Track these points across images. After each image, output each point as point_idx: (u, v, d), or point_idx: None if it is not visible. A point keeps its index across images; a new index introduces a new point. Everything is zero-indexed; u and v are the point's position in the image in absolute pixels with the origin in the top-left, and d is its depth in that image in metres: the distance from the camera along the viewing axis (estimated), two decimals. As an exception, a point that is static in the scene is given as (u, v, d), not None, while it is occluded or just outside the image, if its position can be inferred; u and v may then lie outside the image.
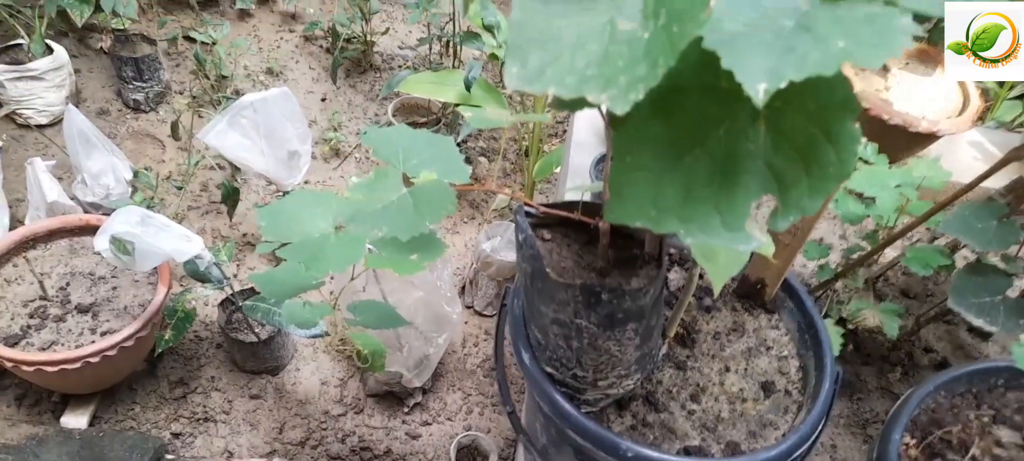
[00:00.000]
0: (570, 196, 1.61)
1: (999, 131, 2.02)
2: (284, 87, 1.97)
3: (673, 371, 0.95)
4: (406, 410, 1.85)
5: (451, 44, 2.77)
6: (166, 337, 1.60)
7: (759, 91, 0.35)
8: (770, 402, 0.92)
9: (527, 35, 0.43)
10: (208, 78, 2.61)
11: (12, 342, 1.51)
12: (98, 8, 2.38)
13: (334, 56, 2.77)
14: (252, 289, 1.74)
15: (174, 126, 2.14)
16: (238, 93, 2.61)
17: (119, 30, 2.50)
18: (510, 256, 2.01)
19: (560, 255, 0.79)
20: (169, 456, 1.64)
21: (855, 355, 1.53)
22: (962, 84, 1.65)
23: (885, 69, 1.65)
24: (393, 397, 1.86)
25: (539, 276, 0.74)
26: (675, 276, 1.07)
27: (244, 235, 2.23)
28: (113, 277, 1.70)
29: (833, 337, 1.21)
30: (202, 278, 1.59)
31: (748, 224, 0.44)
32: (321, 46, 3.02)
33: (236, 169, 2.00)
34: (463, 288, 2.18)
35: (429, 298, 1.76)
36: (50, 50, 2.33)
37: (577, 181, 1.73)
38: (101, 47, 2.65)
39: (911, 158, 1.58)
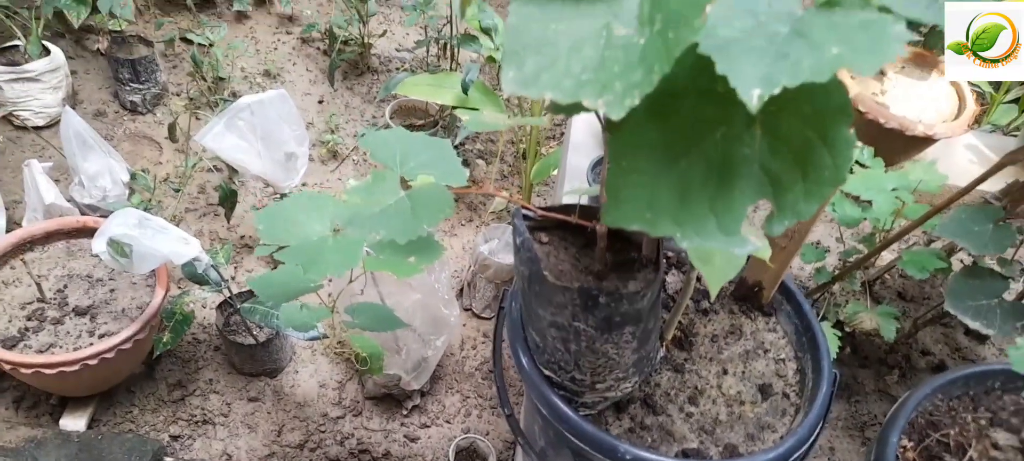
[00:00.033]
0: (568, 199, 1.62)
1: (995, 135, 2.03)
2: (281, 89, 1.97)
3: (671, 374, 0.95)
4: (404, 412, 1.85)
5: (448, 47, 2.77)
6: (164, 339, 1.60)
7: (753, 97, 0.35)
8: (768, 405, 0.92)
9: (523, 40, 0.43)
10: (205, 80, 2.61)
11: (10, 344, 1.51)
12: (95, 9, 2.38)
13: (331, 58, 2.77)
14: (250, 291, 1.74)
15: (171, 128, 2.14)
16: (235, 95, 2.61)
17: (116, 32, 2.50)
18: (508, 259, 2.01)
19: (558, 258, 0.79)
20: (168, 458, 1.64)
21: (852, 358, 1.53)
22: (958, 88, 1.66)
23: (882, 73, 1.65)
24: (391, 399, 1.86)
25: (537, 279, 0.74)
26: (673, 279, 1.08)
27: (242, 237, 2.23)
28: (111, 279, 1.69)
29: (830, 340, 1.22)
30: (200, 280, 1.59)
31: (744, 227, 0.44)
32: (318, 48, 3.03)
33: (233, 171, 2.00)
34: (461, 290, 2.18)
35: (427, 300, 1.76)
36: (47, 51, 2.33)
37: (575, 184, 1.73)
38: (98, 48, 2.65)
39: (907, 161, 1.59)
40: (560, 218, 0.80)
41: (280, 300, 1.08)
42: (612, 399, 0.87)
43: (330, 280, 1.65)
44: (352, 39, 2.88)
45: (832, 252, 1.59)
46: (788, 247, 0.93)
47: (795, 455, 0.83)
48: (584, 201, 0.81)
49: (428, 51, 2.83)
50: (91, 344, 1.53)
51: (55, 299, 1.63)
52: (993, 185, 1.17)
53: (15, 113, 2.30)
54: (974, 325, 1.13)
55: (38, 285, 1.60)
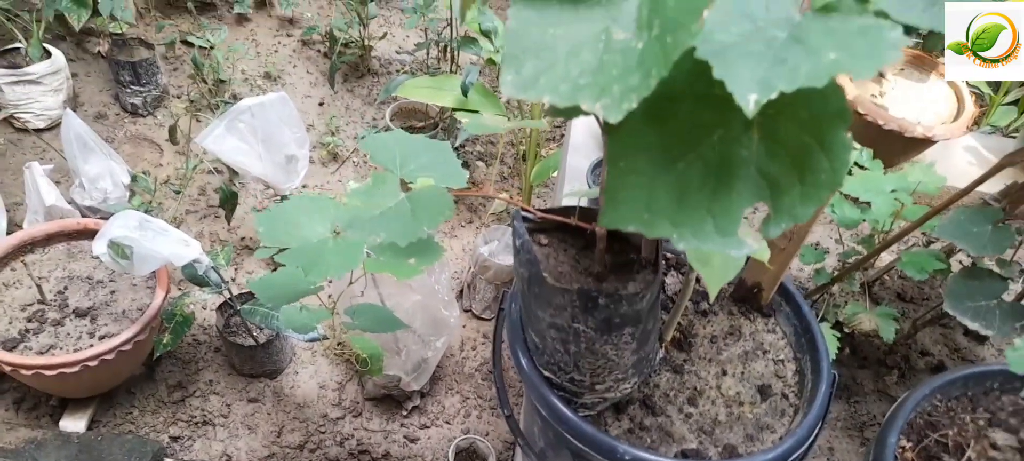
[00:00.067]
0: (567, 201, 1.62)
1: (994, 136, 2.03)
2: (282, 92, 1.97)
3: (670, 375, 0.95)
4: (404, 413, 1.85)
5: (449, 49, 2.78)
6: (164, 341, 1.60)
7: (750, 102, 0.35)
8: (767, 405, 0.93)
9: (522, 43, 0.43)
10: (206, 82, 2.62)
11: (10, 346, 1.51)
12: (96, 12, 2.39)
13: (332, 61, 2.78)
14: (250, 293, 1.75)
15: (172, 130, 2.15)
16: (236, 97, 2.61)
17: (117, 34, 2.51)
18: (508, 260, 2.01)
19: (557, 260, 0.80)
20: (168, 459, 1.65)
21: (852, 358, 1.54)
22: (957, 89, 1.66)
23: (881, 75, 1.66)
24: (391, 400, 1.87)
25: (536, 281, 0.74)
26: (672, 280, 1.08)
27: (242, 239, 2.23)
28: (111, 281, 1.70)
29: (829, 341, 1.22)
30: (200, 282, 1.59)
31: (741, 230, 0.44)
32: (319, 51, 3.03)
33: (234, 173, 2.01)
34: (461, 292, 2.18)
35: (427, 302, 1.76)
36: (48, 54, 2.33)
37: (574, 185, 1.73)
38: (99, 51, 2.66)
39: (906, 163, 1.59)
40: (560, 220, 0.80)
41: (280, 302, 1.08)
42: (611, 400, 0.88)
43: (330, 282, 1.66)
44: (352, 41, 2.89)
45: (831, 253, 1.59)
46: (787, 249, 0.94)
47: (794, 455, 0.83)
48: (584, 203, 0.82)
49: (428, 53, 2.83)
50: (91, 345, 1.53)
51: (55, 301, 1.63)
52: (992, 186, 1.17)
53: (16, 115, 2.30)
54: (973, 326, 1.13)
55: (38, 287, 1.60)
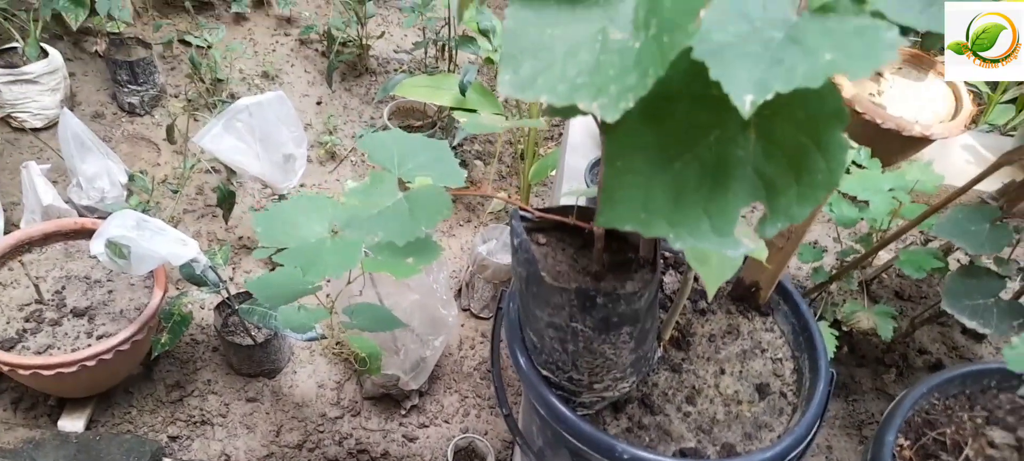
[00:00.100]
0: (565, 200, 1.62)
1: (991, 135, 2.04)
2: (279, 91, 1.97)
3: (669, 374, 0.96)
4: (403, 412, 1.85)
5: (447, 48, 2.78)
6: (162, 340, 1.60)
7: (746, 102, 0.35)
8: (765, 404, 0.93)
9: (520, 43, 0.43)
10: (203, 82, 2.61)
11: (8, 346, 1.51)
12: (93, 11, 2.38)
13: (330, 60, 2.77)
14: (248, 292, 1.74)
15: (169, 130, 2.14)
16: (233, 97, 2.61)
17: (114, 33, 2.50)
18: (506, 259, 2.01)
19: (555, 259, 0.80)
20: (166, 459, 1.64)
21: (850, 357, 1.54)
22: (955, 88, 1.66)
23: (879, 74, 1.66)
24: (390, 399, 1.87)
25: (534, 280, 0.74)
26: (670, 279, 1.08)
27: (240, 238, 2.23)
28: (109, 281, 1.69)
29: (827, 339, 1.22)
30: (198, 282, 1.59)
31: (738, 229, 0.44)
32: (317, 50, 3.03)
33: (232, 173, 2.00)
34: (459, 291, 2.18)
35: (425, 301, 1.76)
36: (45, 53, 2.33)
37: (573, 185, 1.73)
38: (96, 50, 2.65)
39: (904, 162, 1.59)
40: (558, 219, 0.80)
41: (278, 301, 1.08)
42: (610, 399, 0.88)
43: (328, 281, 1.66)
44: (350, 41, 2.89)
45: (829, 252, 1.59)
46: (785, 247, 0.94)
47: (792, 454, 0.84)
48: (582, 202, 0.82)
49: (426, 52, 2.83)
50: (89, 345, 1.53)
51: (53, 300, 1.63)
52: (990, 185, 1.17)
53: (13, 115, 2.30)
54: (971, 324, 1.14)
55: (36, 286, 1.60)
